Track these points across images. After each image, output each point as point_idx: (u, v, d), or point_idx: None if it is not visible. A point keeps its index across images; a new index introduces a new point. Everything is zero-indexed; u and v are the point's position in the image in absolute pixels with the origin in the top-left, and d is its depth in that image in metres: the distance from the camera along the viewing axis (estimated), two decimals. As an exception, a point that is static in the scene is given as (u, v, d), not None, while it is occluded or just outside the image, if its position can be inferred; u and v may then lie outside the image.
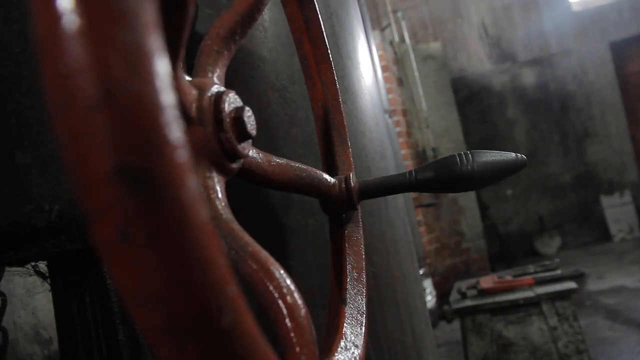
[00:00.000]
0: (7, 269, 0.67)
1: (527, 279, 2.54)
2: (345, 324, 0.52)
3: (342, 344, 0.50)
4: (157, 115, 0.17)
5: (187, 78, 0.43)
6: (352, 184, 0.59)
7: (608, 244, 6.59)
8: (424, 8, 7.30)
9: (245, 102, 0.45)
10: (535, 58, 7.17)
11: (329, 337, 0.51)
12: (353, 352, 0.49)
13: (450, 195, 5.48)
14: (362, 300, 0.56)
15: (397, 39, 5.33)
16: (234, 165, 0.43)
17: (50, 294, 0.62)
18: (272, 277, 0.37)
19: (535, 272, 2.74)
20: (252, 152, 0.49)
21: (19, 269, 0.69)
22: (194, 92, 0.41)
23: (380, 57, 4.69)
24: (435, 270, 5.01)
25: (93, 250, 0.18)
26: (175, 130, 0.18)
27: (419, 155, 5.17)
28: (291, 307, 0.36)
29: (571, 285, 2.39)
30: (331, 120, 0.64)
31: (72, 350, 0.60)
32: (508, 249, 6.71)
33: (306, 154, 0.74)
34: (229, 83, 0.66)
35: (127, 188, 0.17)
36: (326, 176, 0.58)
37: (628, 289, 4.20)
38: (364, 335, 0.52)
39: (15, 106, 0.52)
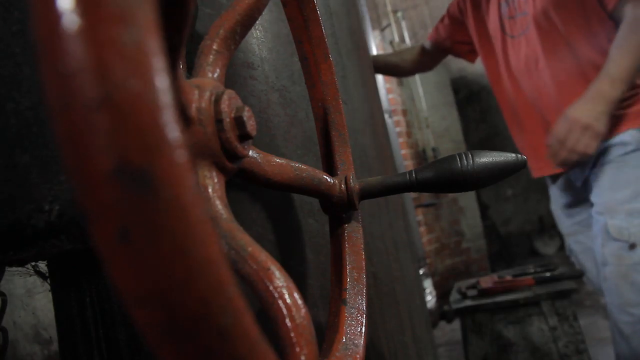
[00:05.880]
0: (7, 269, 0.67)
1: (527, 279, 2.54)
2: (345, 324, 0.52)
3: (342, 344, 0.50)
4: (156, 115, 0.17)
5: (187, 78, 0.43)
6: (352, 184, 0.59)
7: (608, 244, 6.58)
8: (424, 8, 7.29)
9: (245, 102, 0.45)
10: (535, 58, 7.16)
11: (329, 337, 0.51)
12: (353, 352, 0.49)
13: (450, 195, 5.48)
14: (362, 300, 0.56)
15: (397, 39, 5.33)
16: (234, 166, 0.43)
17: (50, 294, 0.62)
18: (272, 277, 0.37)
19: (535, 272, 2.74)
20: (252, 152, 0.49)
21: (19, 269, 0.69)
22: (193, 92, 0.41)
23: (380, 57, 4.68)
24: (435, 270, 5.00)
25: (93, 250, 0.18)
26: (175, 130, 0.18)
27: (419, 155, 5.17)
28: (291, 307, 0.36)
29: (571, 285, 2.39)
30: (331, 120, 0.64)
31: (72, 350, 0.59)
32: (508, 249, 6.70)
33: (306, 154, 0.74)
34: (229, 83, 0.66)
35: (126, 188, 0.17)
36: (326, 176, 0.58)
37: (628, 289, 4.19)
38: (364, 335, 0.52)
39: (15, 106, 0.52)
